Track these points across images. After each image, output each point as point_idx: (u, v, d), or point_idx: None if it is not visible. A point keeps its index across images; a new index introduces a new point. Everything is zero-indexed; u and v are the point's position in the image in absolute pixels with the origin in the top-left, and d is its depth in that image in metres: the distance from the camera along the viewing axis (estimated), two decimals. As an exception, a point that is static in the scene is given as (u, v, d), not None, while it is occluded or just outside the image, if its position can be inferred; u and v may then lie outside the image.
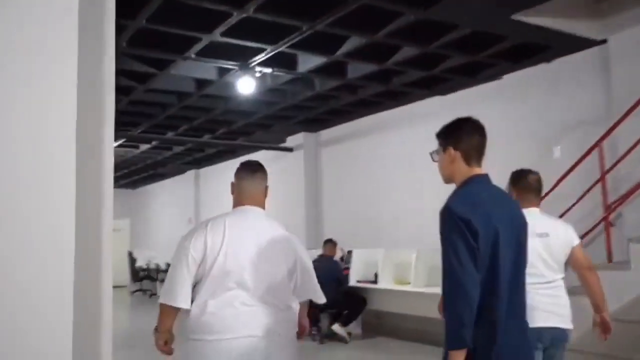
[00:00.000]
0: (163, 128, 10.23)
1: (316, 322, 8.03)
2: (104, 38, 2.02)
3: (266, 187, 2.76)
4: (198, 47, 6.07)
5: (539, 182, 3.38)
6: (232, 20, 5.39)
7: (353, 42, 6.21)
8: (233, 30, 5.68)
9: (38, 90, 1.71)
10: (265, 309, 2.53)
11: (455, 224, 2.10)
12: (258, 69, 6.80)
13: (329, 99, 8.68)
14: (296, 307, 2.68)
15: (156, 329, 2.60)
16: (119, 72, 7.04)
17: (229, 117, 9.56)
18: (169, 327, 2.57)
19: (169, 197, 16.88)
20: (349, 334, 7.88)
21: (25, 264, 1.67)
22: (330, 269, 7.87)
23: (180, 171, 15.51)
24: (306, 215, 10.72)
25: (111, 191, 1.99)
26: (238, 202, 2.73)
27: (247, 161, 2.84)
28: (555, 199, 5.68)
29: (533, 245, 2.77)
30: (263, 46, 6.20)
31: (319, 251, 8.46)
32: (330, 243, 8.44)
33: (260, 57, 6.49)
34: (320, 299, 2.74)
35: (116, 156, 12.62)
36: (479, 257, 2.07)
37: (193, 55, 6.32)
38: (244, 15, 5.26)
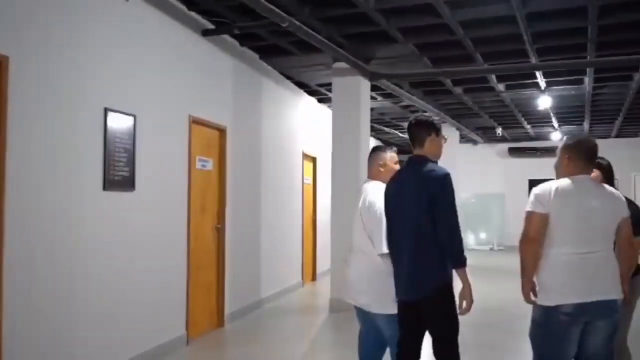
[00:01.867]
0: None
1: None
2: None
3: (379, 164, 4.02)
4: None
5: (592, 149, 3.31)
6: None
7: None
8: None
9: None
10: (356, 255, 3.96)
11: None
12: None
13: None
14: (373, 250, 3.80)
15: None
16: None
17: None
18: None
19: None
20: None
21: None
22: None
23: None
24: None
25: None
26: None
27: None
28: None
29: (571, 213, 3.14)
30: None
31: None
32: None
33: None
34: (378, 248, 3.77)
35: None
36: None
37: None
38: None
